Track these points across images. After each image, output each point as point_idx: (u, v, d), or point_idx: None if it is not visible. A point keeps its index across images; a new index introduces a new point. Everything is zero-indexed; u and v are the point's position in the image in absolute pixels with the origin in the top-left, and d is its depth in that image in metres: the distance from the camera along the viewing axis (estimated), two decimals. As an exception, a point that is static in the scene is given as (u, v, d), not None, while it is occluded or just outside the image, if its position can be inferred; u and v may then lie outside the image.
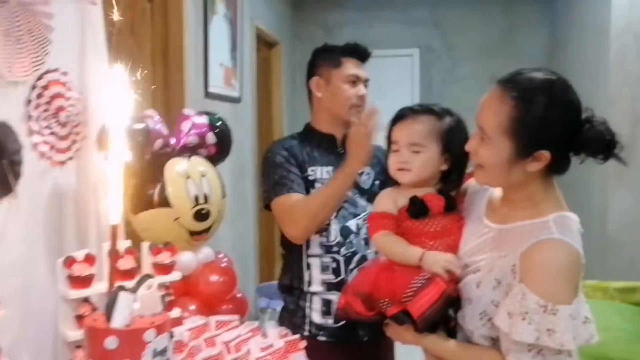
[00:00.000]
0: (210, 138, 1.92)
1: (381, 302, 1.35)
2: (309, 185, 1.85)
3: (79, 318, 1.38)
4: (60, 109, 1.58)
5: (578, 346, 1.17)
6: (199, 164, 1.86)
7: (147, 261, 1.55)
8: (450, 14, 5.39)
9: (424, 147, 1.41)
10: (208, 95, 3.07)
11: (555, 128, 1.20)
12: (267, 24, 4.41)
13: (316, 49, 1.98)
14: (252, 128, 4.01)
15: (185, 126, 1.88)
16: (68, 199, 1.62)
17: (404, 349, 1.47)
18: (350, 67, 1.89)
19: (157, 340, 1.12)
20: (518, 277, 1.19)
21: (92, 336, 1.13)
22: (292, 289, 1.91)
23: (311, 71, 1.95)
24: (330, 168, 1.88)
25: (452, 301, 1.30)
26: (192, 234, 1.82)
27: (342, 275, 1.84)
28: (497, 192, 1.37)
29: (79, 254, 1.42)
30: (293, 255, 1.90)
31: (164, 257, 1.55)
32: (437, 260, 1.31)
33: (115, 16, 1.72)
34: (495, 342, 1.25)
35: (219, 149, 1.96)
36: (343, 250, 1.85)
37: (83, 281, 1.39)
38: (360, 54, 1.92)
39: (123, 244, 1.50)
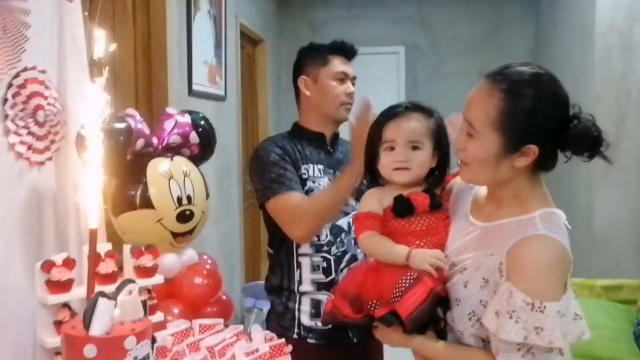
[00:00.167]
0: (194, 137, 1.89)
1: (369, 304, 1.33)
2: (302, 183, 1.82)
3: (58, 324, 1.34)
4: (38, 108, 1.54)
5: (569, 343, 1.16)
6: (182, 164, 1.83)
7: (129, 264, 1.52)
8: (435, 11, 5.39)
9: (422, 144, 1.39)
10: (192, 93, 3.03)
11: (544, 121, 1.20)
12: (251, 21, 4.37)
13: (302, 47, 1.97)
14: (237, 126, 3.97)
15: (168, 125, 1.85)
16: (47, 200, 1.58)
17: (392, 350, 1.45)
18: (338, 64, 1.88)
19: (138, 347, 1.09)
20: (505, 275, 1.18)
21: (70, 344, 1.09)
22: (281, 289, 1.88)
23: (298, 70, 1.94)
24: (321, 166, 1.87)
25: (441, 301, 1.28)
26: (176, 235, 1.79)
27: (333, 275, 1.82)
28: (482, 190, 1.36)
29: (58, 258, 1.38)
30: (282, 254, 1.87)
31: (146, 260, 1.52)
32: (424, 257, 1.30)
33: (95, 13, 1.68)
34: (486, 343, 1.24)
35: (203, 148, 1.93)
36: (333, 250, 1.84)
37: (62, 286, 1.35)
38: (347, 51, 1.91)
39: (104, 247, 1.47)
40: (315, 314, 1.82)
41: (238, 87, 3.99)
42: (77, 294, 1.36)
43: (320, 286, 1.82)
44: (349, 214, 1.85)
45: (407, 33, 5.42)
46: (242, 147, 4.08)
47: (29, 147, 1.51)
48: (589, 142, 1.20)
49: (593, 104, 3.51)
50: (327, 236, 1.83)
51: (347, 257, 1.85)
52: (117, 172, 1.70)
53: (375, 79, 4.84)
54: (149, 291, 1.55)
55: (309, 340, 1.82)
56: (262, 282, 1.94)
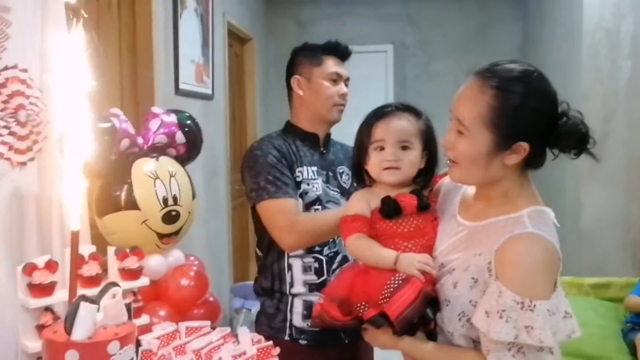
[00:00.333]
0: (180, 137, 1.86)
1: (358, 306, 1.32)
2: (297, 186, 1.81)
3: (41, 328, 1.32)
4: (20, 107, 1.51)
5: (559, 342, 1.15)
6: (167, 164, 1.81)
7: (114, 267, 1.50)
8: (424, 9, 5.39)
9: (412, 144, 1.39)
10: (179, 92, 3.00)
11: (534, 118, 1.19)
12: (239, 19, 4.34)
13: (296, 47, 1.96)
14: (224, 125, 3.95)
15: (154, 125, 1.82)
16: (29, 201, 1.55)
17: (383, 350, 1.43)
18: (332, 65, 1.88)
19: (121, 352, 1.07)
20: (494, 275, 1.17)
21: (51, 350, 1.06)
22: (272, 291, 1.86)
23: (291, 69, 1.93)
24: (315, 167, 1.86)
25: (430, 301, 1.27)
26: (161, 236, 1.77)
27: (325, 276, 1.81)
28: (470, 190, 1.35)
29: (40, 261, 1.36)
30: (272, 256, 1.85)
31: (131, 262, 1.50)
32: (412, 261, 1.28)
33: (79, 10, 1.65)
34: (476, 343, 1.23)
35: (189, 148, 1.91)
36: (325, 250, 1.83)
37: (44, 289, 1.33)
38: (341, 52, 1.91)
39: (87, 249, 1.45)
40: (307, 316, 1.81)
41: (226, 86, 3.96)
42: (60, 297, 1.34)
43: (312, 287, 1.81)
44: None
45: (395, 31, 5.42)
46: (230, 147, 4.05)
47: (10, 148, 1.49)
48: (578, 139, 1.20)
49: (580, 102, 3.52)
50: None
51: (339, 257, 1.84)
52: (101, 172, 1.68)
53: (364, 77, 4.82)
54: (134, 294, 1.52)
55: (300, 341, 1.81)
56: (251, 282, 1.93)
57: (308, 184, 1.82)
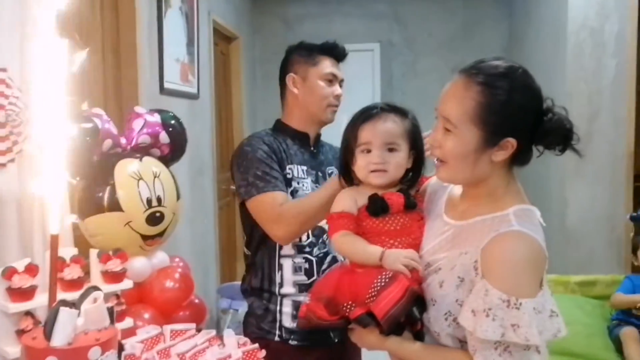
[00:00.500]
0: (164, 137, 1.84)
1: (344, 305, 1.31)
2: (287, 183, 1.80)
3: (21, 333, 1.29)
4: (-1, 107, 1.48)
5: (545, 341, 1.15)
6: (151, 164, 1.79)
7: (96, 269, 1.47)
8: (410, 8, 5.39)
9: (399, 146, 1.38)
10: (164, 91, 2.97)
11: (521, 113, 1.20)
12: (225, 17, 4.31)
13: (292, 45, 1.95)
14: (210, 125, 3.92)
15: (137, 125, 1.80)
16: (9, 203, 1.53)
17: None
18: (328, 65, 1.88)
19: (103, 358, 1.05)
20: (480, 273, 1.17)
21: (30, 356, 1.04)
22: (262, 291, 1.85)
23: (286, 67, 1.92)
24: (305, 167, 1.85)
25: (417, 300, 1.26)
26: (145, 238, 1.74)
27: (315, 277, 1.80)
28: (456, 189, 1.35)
29: (20, 264, 1.33)
30: (262, 256, 1.84)
31: (114, 265, 1.48)
32: (398, 257, 1.28)
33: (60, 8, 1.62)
34: (463, 343, 1.22)
35: (173, 148, 1.88)
36: (315, 251, 1.82)
37: (24, 293, 1.31)
38: (337, 53, 1.91)
39: (69, 251, 1.42)
40: (297, 316, 1.79)
41: (211, 85, 3.93)
42: (41, 301, 1.31)
43: (302, 288, 1.80)
44: None
45: (382, 30, 5.41)
46: (216, 146, 4.02)
47: (-10, 149, 1.46)
48: (563, 135, 1.21)
49: (565, 101, 3.53)
50: (309, 237, 1.82)
51: (328, 258, 1.83)
52: (83, 173, 1.65)
53: (351, 76, 4.75)
54: (118, 297, 1.50)
55: (290, 342, 1.80)
56: (238, 282, 1.91)
57: (298, 182, 1.81)
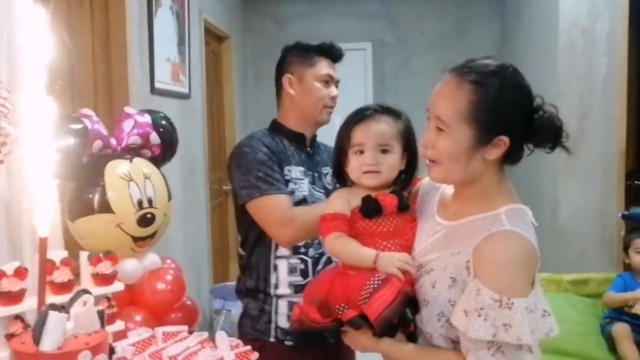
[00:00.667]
0: (154, 138, 1.83)
1: (337, 308, 1.31)
2: (285, 184, 1.79)
3: (10, 337, 1.27)
4: (-13, 109, 1.46)
5: (537, 340, 1.15)
6: (142, 165, 1.77)
7: (87, 272, 1.46)
8: (402, 7, 5.39)
9: (392, 147, 1.38)
10: (155, 91, 2.95)
11: (514, 111, 1.20)
12: (216, 16, 4.29)
13: (288, 46, 1.95)
14: (202, 125, 3.90)
15: (127, 126, 1.78)
16: (-2, 206, 1.50)
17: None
18: (325, 67, 1.88)
19: (93, 362, 1.03)
20: (472, 273, 1.17)
21: (19, 361, 1.03)
22: (257, 292, 1.84)
23: (282, 68, 1.92)
24: (302, 168, 1.85)
25: (410, 301, 1.26)
26: (136, 240, 1.73)
27: (310, 277, 1.80)
28: (448, 189, 1.35)
29: (9, 267, 1.32)
30: (258, 257, 1.84)
31: (105, 267, 1.46)
32: (392, 260, 1.28)
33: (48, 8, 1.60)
34: (455, 344, 1.22)
35: (164, 149, 1.87)
36: (311, 252, 1.82)
37: (13, 297, 1.29)
38: (334, 54, 1.91)
39: (59, 254, 1.41)
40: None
41: (203, 85, 3.91)
42: (30, 305, 1.30)
43: (297, 289, 1.79)
44: None
45: (373, 29, 5.41)
46: (208, 146, 4.01)
47: (-23, 151, 1.44)
48: (553, 133, 1.22)
49: (557, 99, 3.51)
50: None
51: (324, 259, 1.83)
52: (73, 175, 1.64)
53: (343, 75, 4.74)
54: (108, 299, 1.49)
55: (286, 342, 1.80)
56: (231, 283, 1.91)
57: (295, 184, 1.81)
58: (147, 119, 1.84)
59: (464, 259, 1.19)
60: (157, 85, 2.96)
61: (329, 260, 1.83)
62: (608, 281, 2.95)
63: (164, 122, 1.88)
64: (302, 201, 1.79)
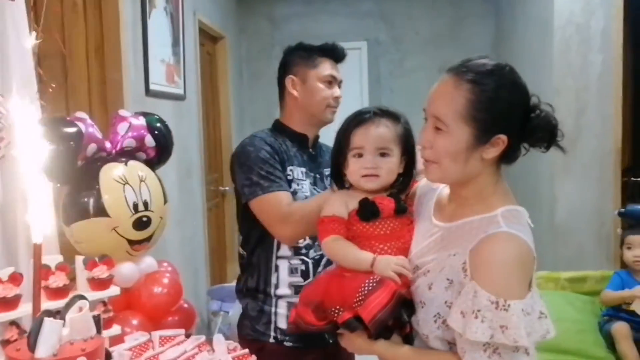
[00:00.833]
0: (149, 140, 1.82)
1: (332, 310, 1.30)
2: (287, 184, 1.79)
3: (6, 343, 1.26)
4: (-20, 113, 1.45)
5: (534, 342, 1.15)
6: (137, 168, 1.76)
7: (82, 277, 1.45)
8: (397, 6, 5.38)
9: (391, 151, 1.38)
10: (149, 93, 2.94)
11: (511, 109, 1.21)
12: (210, 17, 4.28)
13: (291, 47, 1.94)
14: (198, 126, 3.89)
15: (122, 129, 1.77)
16: (-8, 211, 1.49)
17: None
18: (327, 67, 1.88)
19: (89, 368, 1.02)
20: (469, 275, 1.17)
21: (14, 368, 1.02)
22: (257, 292, 1.84)
23: (285, 69, 1.91)
24: (304, 169, 1.85)
25: (405, 303, 1.26)
26: (132, 243, 1.72)
27: (311, 278, 1.80)
28: (445, 191, 1.35)
29: (4, 273, 1.31)
30: (259, 257, 1.83)
31: (101, 272, 1.45)
32: (389, 263, 1.28)
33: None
34: (452, 345, 1.22)
35: (159, 151, 1.86)
36: (312, 253, 1.82)
37: (8, 303, 1.29)
38: (337, 55, 1.92)
39: (54, 259, 1.40)
40: None
41: (198, 86, 3.90)
42: (25, 310, 1.29)
43: (297, 289, 1.79)
44: None
45: (368, 28, 5.40)
46: (203, 147, 4.00)
47: (-29, 156, 1.42)
48: (550, 132, 1.22)
49: (553, 97, 3.55)
50: (305, 239, 1.81)
51: (324, 260, 1.83)
52: (68, 179, 1.62)
53: (339, 74, 4.79)
54: (105, 304, 1.48)
55: (285, 343, 1.80)
56: (228, 284, 1.90)
57: (297, 184, 1.81)
58: (141, 121, 1.83)
59: (461, 261, 1.19)
60: (151, 86, 2.95)
61: (330, 262, 1.81)
62: (605, 278, 2.95)
63: (158, 124, 1.87)
64: None
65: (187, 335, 1.44)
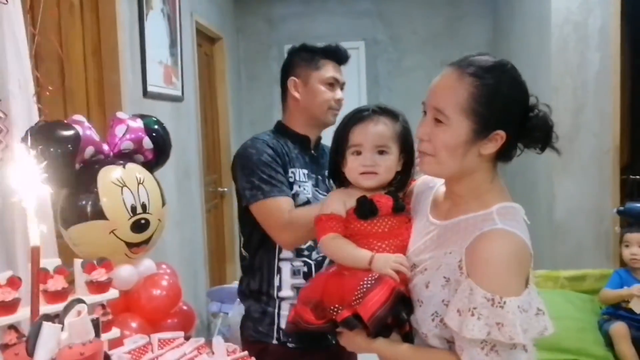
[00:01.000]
0: (147, 143, 1.81)
1: (331, 308, 1.31)
2: (289, 187, 1.79)
3: (5, 347, 1.26)
4: (-23, 117, 1.44)
5: (531, 339, 1.15)
6: (135, 171, 1.75)
7: (81, 280, 1.44)
8: (394, 5, 5.38)
9: (389, 148, 1.38)
10: (147, 95, 2.94)
11: (511, 105, 1.21)
12: (208, 18, 4.27)
13: (294, 48, 1.94)
14: (196, 127, 3.88)
15: (119, 131, 1.77)
16: (-10, 214, 1.49)
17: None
18: (330, 70, 1.87)
19: (88, 372, 1.02)
20: (465, 273, 1.17)
21: (13, 373, 1.01)
22: (260, 294, 1.84)
23: (287, 70, 1.91)
24: (306, 171, 1.85)
25: (403, 301, 1.26)
26: (131, 246, 1.71)
27: None
28: (441, 189, 1.35)
29: (2, 277, 1.30)
30: (262, 259, 1.83)
31: (99, 275, 1.44)
32: (387, 261, 1.28)
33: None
34: (451, 344, 1.22)
35: (157, 154, 1.85)
36: (314, 255, 1.82)
37: (7, 307, 1.28)
38: (339, 57, 1.91)
39: (52, 262, 1.39)
40: None
41: (196, 87, 3.90)
42: (24, 314, 1.28)
43: (300, 291, 1.79)
44: None
45: (366, 28, 5.40)
46: (202, 148, 3.99)
47: (-31, 159, 1.42)
48: (546, 133, 1.23)
49: (551, 95, 3.55)
50: (307, 241, 1.81)
51: (327, 262, 1.81)
52: (65, 182, 1.62)
53: (336, 74, 4.78)
54: (103, 307, 1.47)
55: (288, 344, 1.80)
56: (228, 285, 1.90)
57: (299, 186, 1.81)
58: (139, 123, 1.82)
59: (457, 259, 1.19)
60: (149, 88, 2.95)
61: (332, 263, 1.82)
62: (605, 277, 2.95)
63: (156, 126, 1.87)
64: (306, 204, 1.79)
65: (187, 338, 1.43)
